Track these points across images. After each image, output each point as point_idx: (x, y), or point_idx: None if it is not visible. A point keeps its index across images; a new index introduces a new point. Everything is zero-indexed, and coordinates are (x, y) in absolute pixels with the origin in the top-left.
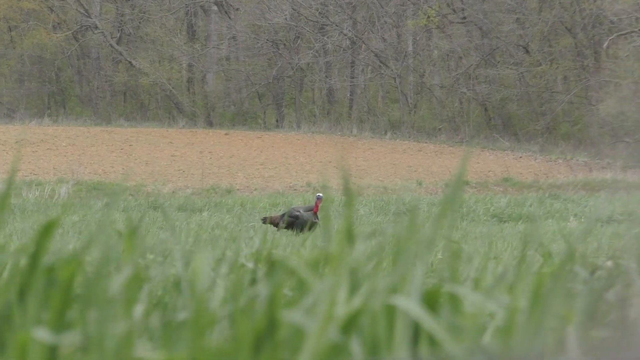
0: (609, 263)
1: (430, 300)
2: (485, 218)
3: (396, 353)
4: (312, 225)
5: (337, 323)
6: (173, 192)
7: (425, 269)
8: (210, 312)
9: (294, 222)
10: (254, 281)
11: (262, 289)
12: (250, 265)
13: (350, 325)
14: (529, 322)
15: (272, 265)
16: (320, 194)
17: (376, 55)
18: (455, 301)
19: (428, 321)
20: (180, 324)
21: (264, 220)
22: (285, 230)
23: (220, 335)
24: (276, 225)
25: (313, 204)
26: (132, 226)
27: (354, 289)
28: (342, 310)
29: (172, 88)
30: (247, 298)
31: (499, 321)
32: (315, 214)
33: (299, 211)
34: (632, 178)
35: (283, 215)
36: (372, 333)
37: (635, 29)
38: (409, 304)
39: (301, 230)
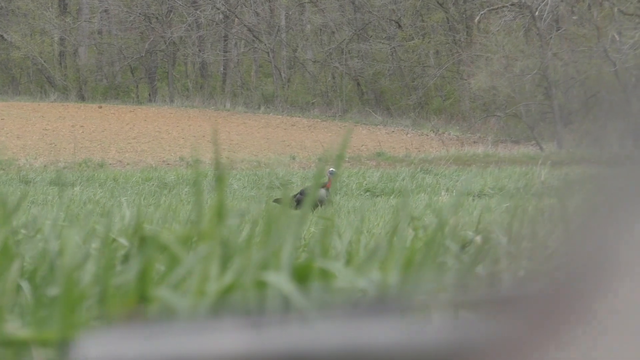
0: (479, 237)
1: (301, 276)
2: (358, 192)
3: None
4: (323, 203)
5: (209, 298)
6: (45, 166)
7: (297, 243)
8: (80, 288)
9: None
10: (126, 256)
11: (133, 264)
12: (121, 240)
13: (222, 300)
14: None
15: (144, 240)
16: (332, 169)
17: (249, 29)
18: (326, 276)
19: (297, 298)
20: (51, 300)
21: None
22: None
23: (91, 311)
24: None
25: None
26: (2, 200)
27: (225, 264)
28: (213, 285)
29: (44, 62)
30: (118, 273)
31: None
32: (328, 189)
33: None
34: (503, 152)
35: (296, 194)
36: (244, 308)
37: (507, 4)
38: (279, 280)
39: (314, 207)
